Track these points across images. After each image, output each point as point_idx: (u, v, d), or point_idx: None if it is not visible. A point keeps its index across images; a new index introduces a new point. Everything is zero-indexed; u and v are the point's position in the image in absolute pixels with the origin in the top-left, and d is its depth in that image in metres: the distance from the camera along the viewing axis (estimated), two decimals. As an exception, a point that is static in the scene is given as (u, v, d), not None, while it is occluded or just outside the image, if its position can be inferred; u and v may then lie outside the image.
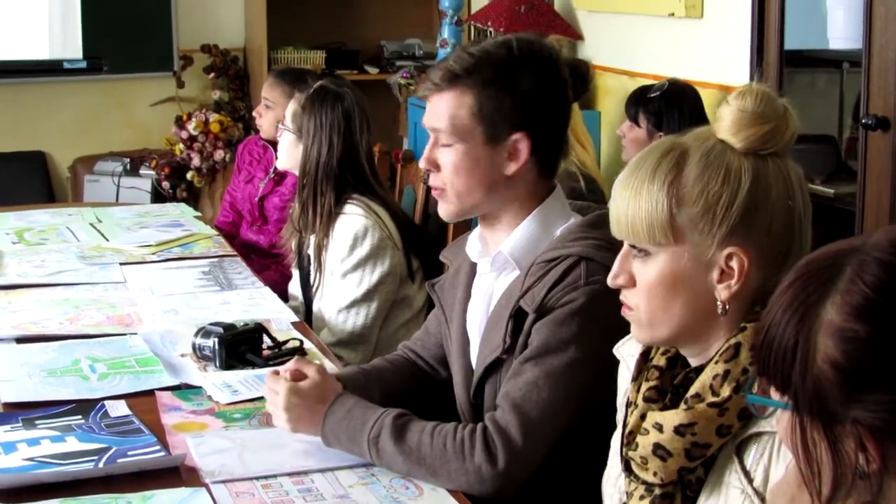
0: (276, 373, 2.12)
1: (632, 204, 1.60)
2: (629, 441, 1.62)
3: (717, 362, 1.56)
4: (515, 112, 2.08)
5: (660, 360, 1.67)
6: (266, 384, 2.14)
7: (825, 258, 1.18)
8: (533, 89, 2.08)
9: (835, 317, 1.13)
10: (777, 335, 1.17)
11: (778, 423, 1.25)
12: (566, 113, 2.17)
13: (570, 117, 2.19)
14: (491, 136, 2.09)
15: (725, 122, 1.59)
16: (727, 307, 1.58)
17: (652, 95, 3.97)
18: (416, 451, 1.96)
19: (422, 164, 2.18)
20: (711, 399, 1.53)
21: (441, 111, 2.11)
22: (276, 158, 3.55)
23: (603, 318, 1.68)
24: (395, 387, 2.32)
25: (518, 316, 2.05)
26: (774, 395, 1.22)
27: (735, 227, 1.56)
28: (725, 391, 1.53)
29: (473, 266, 2.23)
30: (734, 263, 1.56)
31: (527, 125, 2.09)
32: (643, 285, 1.62)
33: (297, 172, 3.32)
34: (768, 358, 1.19)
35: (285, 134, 3.38)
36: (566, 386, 1.98)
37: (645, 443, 1.58)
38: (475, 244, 2.20)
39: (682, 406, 1.56)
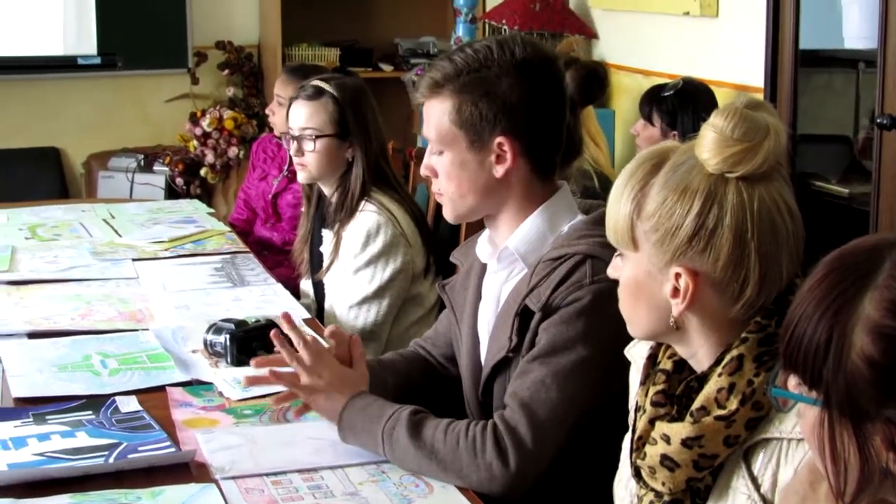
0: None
1: (612, 206, 1.62)
2: (638, 447, 1.62)
3: (720, 375, 1.53)
4: (495, 116, 2.07)
5: (666, 364, 1.65)
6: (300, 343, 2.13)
7: (861, 252, 1.15)
8: (513, 92, 2.05)
9: (872, 312, 1.10)
10: (808, 329, 1.14)
11: (801, 418, 1.22)
12: (557, 113, 2.12)
13: (564, 117, 2.14)
14: (473, 141, 2.09)
15: (702, 140, 1.55)
16: (677, 325, 1.57)
17: (666, 94, 3.97)
18: (430, 446, 1.97)
19: (422, 171, 2.20)
20: (718, 412, 1.52)
21: (429, 120, 2.12)
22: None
23: (609, 316, 1.68)
24: (408, 379, 2.34)
25: (524, 314, 2.04)
26: (795, 389, 1.19)
27: (682, 247, 1.53)
28: (732, 404, 1.51)
29: (484, 267, 2.23)
30: (681, 284, 1.54)
31: (510, 128, 2.07)
32: (620, 285, 1.65)
33: None
34: (797, 352, 1.16)
35: None
36: (574, 385, 1.97)
37: (653, 453, 1.57)
38: (485, 245, 2.20)
39: (689, 420, 1.54)
